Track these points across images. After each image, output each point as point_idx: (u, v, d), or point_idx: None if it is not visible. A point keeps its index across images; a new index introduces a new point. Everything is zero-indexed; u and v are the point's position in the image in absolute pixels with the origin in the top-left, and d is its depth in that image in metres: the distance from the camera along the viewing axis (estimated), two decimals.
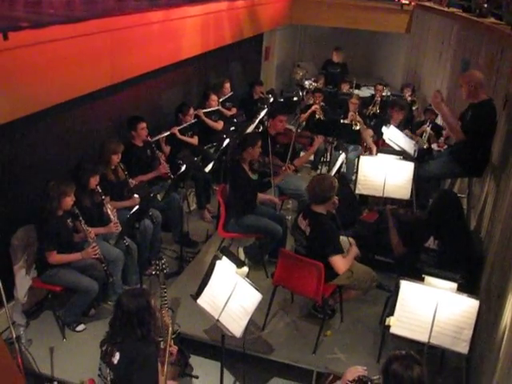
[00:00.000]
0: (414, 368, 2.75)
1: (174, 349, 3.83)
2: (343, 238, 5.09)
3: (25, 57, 4.26)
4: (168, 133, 6.83)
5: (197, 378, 4.73)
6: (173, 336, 4.07)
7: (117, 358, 3.28)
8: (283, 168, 6.42)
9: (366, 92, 11.38)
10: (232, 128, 8.20)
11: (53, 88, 4.71)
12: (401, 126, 7.28)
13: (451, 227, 4.84)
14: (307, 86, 10.95)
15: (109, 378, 3.35)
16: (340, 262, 4.72)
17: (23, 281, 4.93)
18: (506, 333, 3.51)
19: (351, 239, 5.22)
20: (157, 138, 6.56)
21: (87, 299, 5.00)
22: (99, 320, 5.18)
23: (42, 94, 4.60)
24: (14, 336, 4.06)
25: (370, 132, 7.88)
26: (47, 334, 5.02)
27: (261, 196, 5.97)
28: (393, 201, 6.29)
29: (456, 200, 5.12)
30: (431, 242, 5.14)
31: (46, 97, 4.66)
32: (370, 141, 7.61)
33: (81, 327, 5.12)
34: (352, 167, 7.93)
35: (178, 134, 7.00)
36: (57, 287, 4.91)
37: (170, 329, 3.92)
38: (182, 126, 7.08)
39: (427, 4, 11.30)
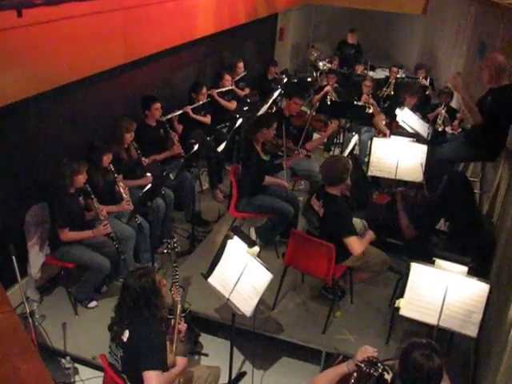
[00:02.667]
0: (435, 359, 2.75)
1: (183, 326, 3.87)
2: (356, 220, 5.09)
3: (38, 34, 4.27)
4: (181, 111, 6.82)
5: (206, 356, 4.79)
6: (183, 314, 4.10)
7: (126, 335, 3.32)
8: (295, 152, 6.37)
9: (380, 74, 11.29)
10: (245, 108, 8.18)
11: (66, 66, 4.72)
12: (414, 110, 7.23)
13: (461, 210, 4.82)
14: (321, 67, 10.86)
15: (119, 355, 3.39)
16: (355, 243, 4.64)
17: (37, 257, 4.98)
18: None
19: (364, 221, 5.23)
20: (169, 116, 6.55)
21: (99, 276, 5.05)
22: (111, 297, 5.22)
23: (55, 72, 4.61)
24: (28, 311, 4.12)
25: (382, 116, 7.85)
26: (60, 310, 5.08)
27: (269, 179, 5.95)
28: (405, 183, 6.28)
29: (466, 182, 5.10)
30: (442, 224, 5.13)
31: (59, 75, 4.68)
32: (382, 126, 7.58)
33: (93, 304, 5.18)
34: (365, 149, 7.90)
35: (190, 112, 7.00)
36: (69, 264, 4.96)
37: (180, 306, 3.96)
38: (194, 105, 7.07)
39: None
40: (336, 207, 4.75)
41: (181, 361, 3.48)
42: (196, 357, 4.76)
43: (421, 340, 2.85)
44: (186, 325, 3.91)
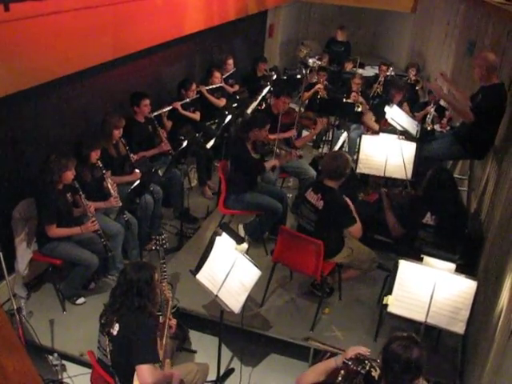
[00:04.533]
0: (413, 350, 2.76)
1: (173, 322, 3.87)
2: None
3: (26, 29, 4.23)
4: (170, 107, 6.81)
5: (195, 352, 4.79)
6: (172, 310, 4.10)
7: (116, 329, 3.32)
8: (288, 152, 6.36)
9: (369, 71, 11.31)
10: (234, 105, 8.17)
11: (55, 61, 4.69)
12: (399, 105, 7.25)
13: (445, 202, 4.87)
14: (311, 64, 10.86)
15: (108, 350, 3.38)
16: (358, 229, 4.79)
17: (24, 253, 4.95)
18: (503, 314, 3.54)
19: None
20: (158, 112, 6.53)
21: (87, 273, 5.02)
22: (99, 294, 5.22)
23: (43, 67, 4.58)
24: (15, 308, 4.10)
25: (371, 115, 7.88)
26: (47, 307, 5.06)
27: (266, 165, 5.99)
28: (393, 181, 6.29)
29: (449, 175, 5.15)
30: (428, 218, 5.16)
31: (47, 70, 4.64)
32: (372, 123, 7.61)
33: (81, 300, 5.15)
34: (354, 146, 7.89)
35: (180, 108, 6.98)
36: (57, 260, 4.92)
37: (170, 302, 3.96)
38: (184, 101, 7.06)
39: None
40: (338, 199, 4.79)
41: (177, 373, 3.49)
42: (184, 353, 4.75)
43: (402, 334, 2.87)
44: (175, 321, 3.92)
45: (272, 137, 6.22)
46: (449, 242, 4.72)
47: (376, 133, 6.99)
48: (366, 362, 2.98)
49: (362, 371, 2.94)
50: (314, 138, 8.83)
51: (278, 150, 6.22)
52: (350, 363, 2.99)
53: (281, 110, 6.74)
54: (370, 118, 7.71)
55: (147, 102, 6.17)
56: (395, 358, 2.76)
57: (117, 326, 3.33)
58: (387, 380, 2.82)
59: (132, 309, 3.34)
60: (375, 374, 2.93)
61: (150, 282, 3.41)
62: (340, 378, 2.99)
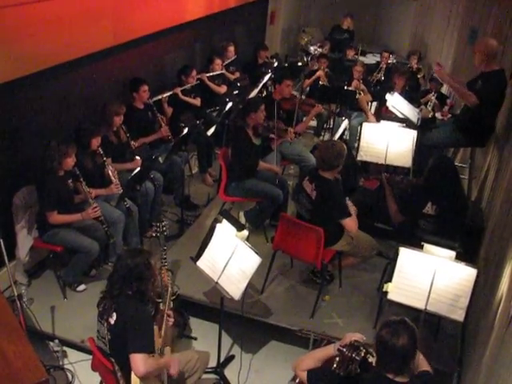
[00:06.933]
0: (401, 337, 2.76)
1: (171, 314, 3.86)
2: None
3: (25, 15, 4.21)
4: (170, 93, 6.79)
5: (195, 339, 4.80)
6: (172, 297, 4.11)
7: (114, 318, 3.32)
8: (285, 129, 6.35)
9: (371, 59, 11.26)
10: (235, 92, 8.15)
11: (54, 48, 4.67)
12: (404, 93, 7.22)
13: (447, 192, 4.86)
14: (312, 52, 10.83)
15: (107, 339, 3.39)
16: (352, 223, 4.73)
17: (25, 240, 4.96)
18: (502, 302, 3.55)
19: (353, 206, 5.25)
20: (158, 97, 6.51)
21: (88, 259, 5.03)
22: (100, 280, 5.21)
23: (43, 54, 4.56)
24: (16, 294, 4.10)
25: (369, 97, 7.88)
26: (48, 294, 5.07)
27: (261, 164, 5.95)
28: (394, 168, 6.29)
29: (451, 165, 5.13)
30: (429, 208, 5.16)
31: (47, 56, 4.63)
32: (365, 106, 7.61)
33: (81, 287, 5.16)
34: (355, 134, 7.88)
35: (180, 94, 6.95)
36: (58, 247, 4.92)
37: (170, 289, 3.96)
38: (184, 87, 7.03)
39: None
40: (329, 190, 4.75)
41: (174, 361, 3.49)
42: (185, 340, 4.77)
43: (395, 318, 2.87)
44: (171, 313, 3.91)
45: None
46: (449, 232, 4.71)
47: (377, 120, 6.98)
48: (361, 348, 2.98)
49: (357, 357, 2.94)
50: (315, 125, 8.82)
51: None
52: (344, 350, 2.99)
53: (285, 94, 6.71)
54: (365, 100, 7.75)
55: (146, 87, 6.15)
56: (382, 345, 2.78)
57: (114, 315, 3.32)
58: (378, 366, 2.85)
59: (131, 294, 3.34)
60: (372, 360, 2.94)
61: (148, 265, 3.41)
62: (335, 365, 2.99)
